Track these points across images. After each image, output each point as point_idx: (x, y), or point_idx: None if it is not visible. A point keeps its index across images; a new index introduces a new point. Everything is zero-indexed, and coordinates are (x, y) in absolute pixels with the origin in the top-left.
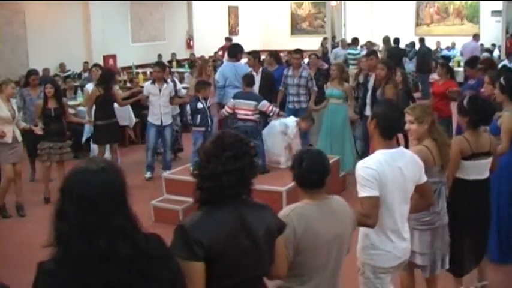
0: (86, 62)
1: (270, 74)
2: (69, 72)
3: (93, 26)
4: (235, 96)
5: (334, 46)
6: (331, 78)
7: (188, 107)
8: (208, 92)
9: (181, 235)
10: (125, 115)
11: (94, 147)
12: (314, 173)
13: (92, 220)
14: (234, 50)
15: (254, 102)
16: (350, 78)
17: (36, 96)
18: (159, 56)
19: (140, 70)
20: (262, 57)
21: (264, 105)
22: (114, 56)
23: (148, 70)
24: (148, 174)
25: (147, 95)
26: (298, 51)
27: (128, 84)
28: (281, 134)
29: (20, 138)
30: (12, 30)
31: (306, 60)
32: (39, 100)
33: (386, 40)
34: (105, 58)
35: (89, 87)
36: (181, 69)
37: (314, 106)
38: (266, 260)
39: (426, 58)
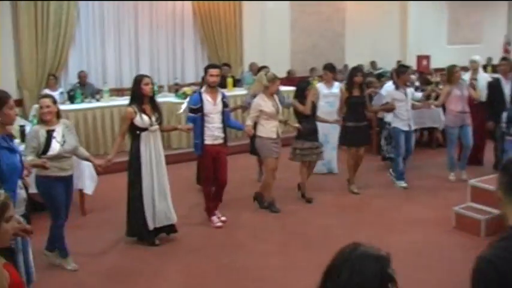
0: (399, 61)
1: None
2: (380, 70)
3: (410, 26)
4: None
5: None
6: None
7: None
8: None
9: None
10: (435, 116)
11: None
12: None
13: None
14: None
15: None
16: None
17: None
18: None
19: None
20: None
21: None
22: (428, 57)
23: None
24: (402, 184)
25: (389, 100)
26: None
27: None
28: None
29: (279, 134)
30: (332, 26)
31: None
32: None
33: None
34: (419, 58)
35: (319, 86)
36: (496, 75)
37: None
38: None
39: None
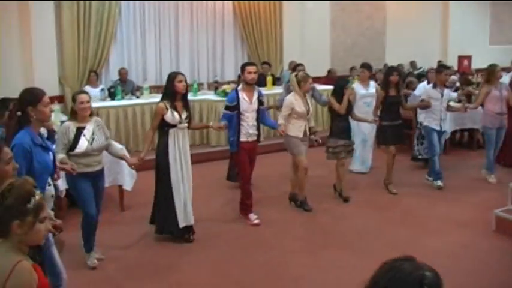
0: (439, 61)
1: None
2: (420, 70)
3: (451, 25)
4: None
5: None
6: None
7: None
8: None
9: None
10: (475, 117)
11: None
12: None
13: None
14: None
15: None
16: None
17: None
18: None
19: None
20: None
21: None
22: (469, 57)
23: (504, 74)
24: (439, 183)
25: (425, 98)
26: None
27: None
28: None
29: (307, 134)
30: (373, 25)
31: None
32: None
33: None
34: (460, 59)
35: (356, 86)
36: None
37: None
38: None
39: None
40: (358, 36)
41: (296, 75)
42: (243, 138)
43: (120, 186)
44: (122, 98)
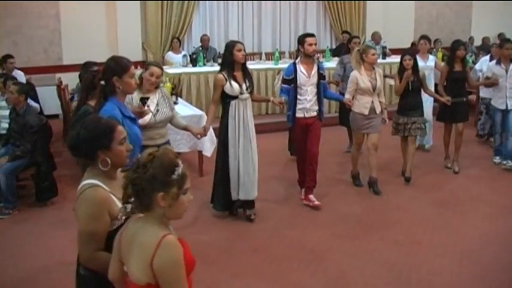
0: None
1: None
2: None
3: None
4: None
5: None
6: None
7: None
8: None
9: None
10: None
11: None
12: None
13: None
14: None
15: None
16: None
17: None
18: None
19: None
20: None
21: None
22: None
23: None
24: (497, 159)
25: (490, 75)
26: None
27: None
28: None
29: (378, 110)
30: None
31: None
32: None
33: None
34: None
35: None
36: None
37: None
38: None
39: None
40: (443, 7)
41: (358, 50)
42: (299, 114)
43: (200, 152)
44: (204, 64)
